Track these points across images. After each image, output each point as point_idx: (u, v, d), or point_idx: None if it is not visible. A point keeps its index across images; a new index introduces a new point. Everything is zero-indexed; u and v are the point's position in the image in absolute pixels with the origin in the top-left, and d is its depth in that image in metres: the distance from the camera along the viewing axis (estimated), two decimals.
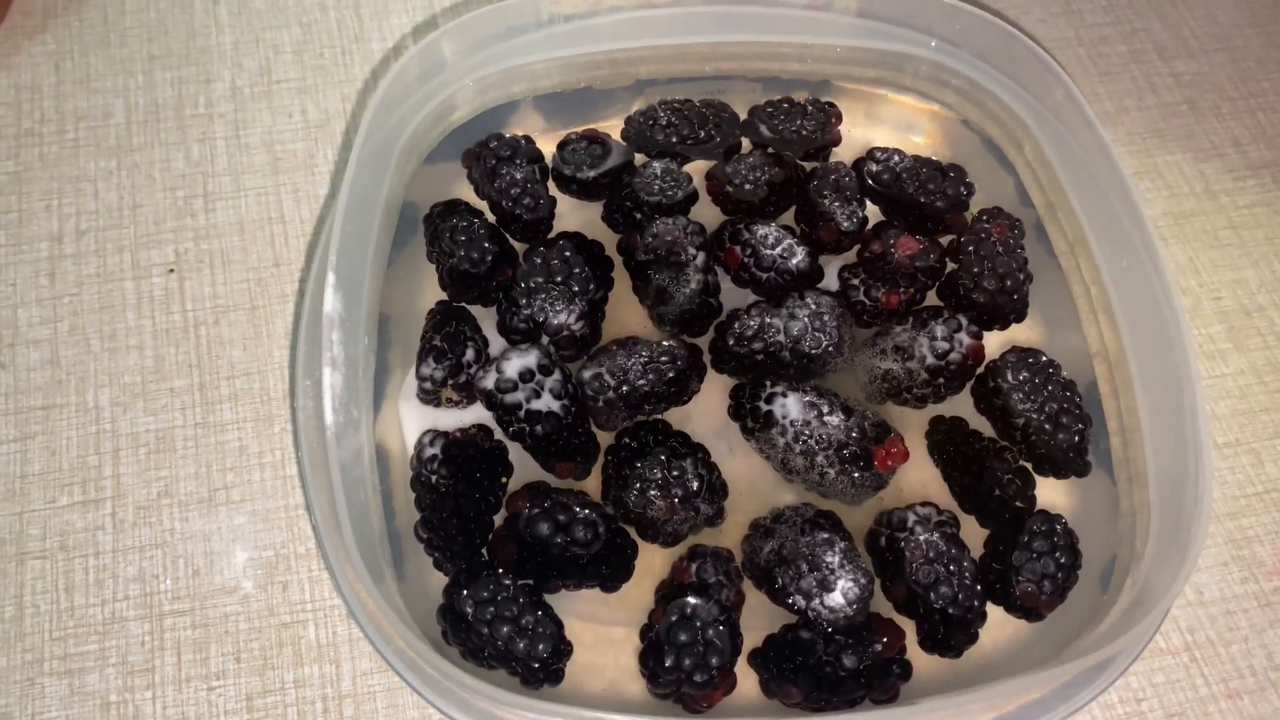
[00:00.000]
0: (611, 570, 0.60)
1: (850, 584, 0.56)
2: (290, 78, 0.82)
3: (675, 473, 0.60)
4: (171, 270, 0.74)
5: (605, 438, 0.64)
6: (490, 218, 0.69)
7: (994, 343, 0.67)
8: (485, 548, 0.60)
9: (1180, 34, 0.89)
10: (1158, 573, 0.55)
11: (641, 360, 0.63)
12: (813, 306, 0.65)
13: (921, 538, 0.59)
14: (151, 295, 0.73)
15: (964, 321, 0.65)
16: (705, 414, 0.67)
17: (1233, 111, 0.85)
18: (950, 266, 0.69)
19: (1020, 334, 0.69)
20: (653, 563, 0.62)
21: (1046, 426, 0.63)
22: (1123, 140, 0.83)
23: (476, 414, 0.64)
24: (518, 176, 0.68)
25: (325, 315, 0.56)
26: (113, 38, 0.83)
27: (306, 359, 0.58)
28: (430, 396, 0.64)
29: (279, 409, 0.69)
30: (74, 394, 0.69)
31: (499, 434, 0.63)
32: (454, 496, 0.60)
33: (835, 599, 0.56)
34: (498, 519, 0.61)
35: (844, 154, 0.74)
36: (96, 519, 0.65)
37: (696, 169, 0.73)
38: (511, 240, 0.69)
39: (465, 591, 0.56)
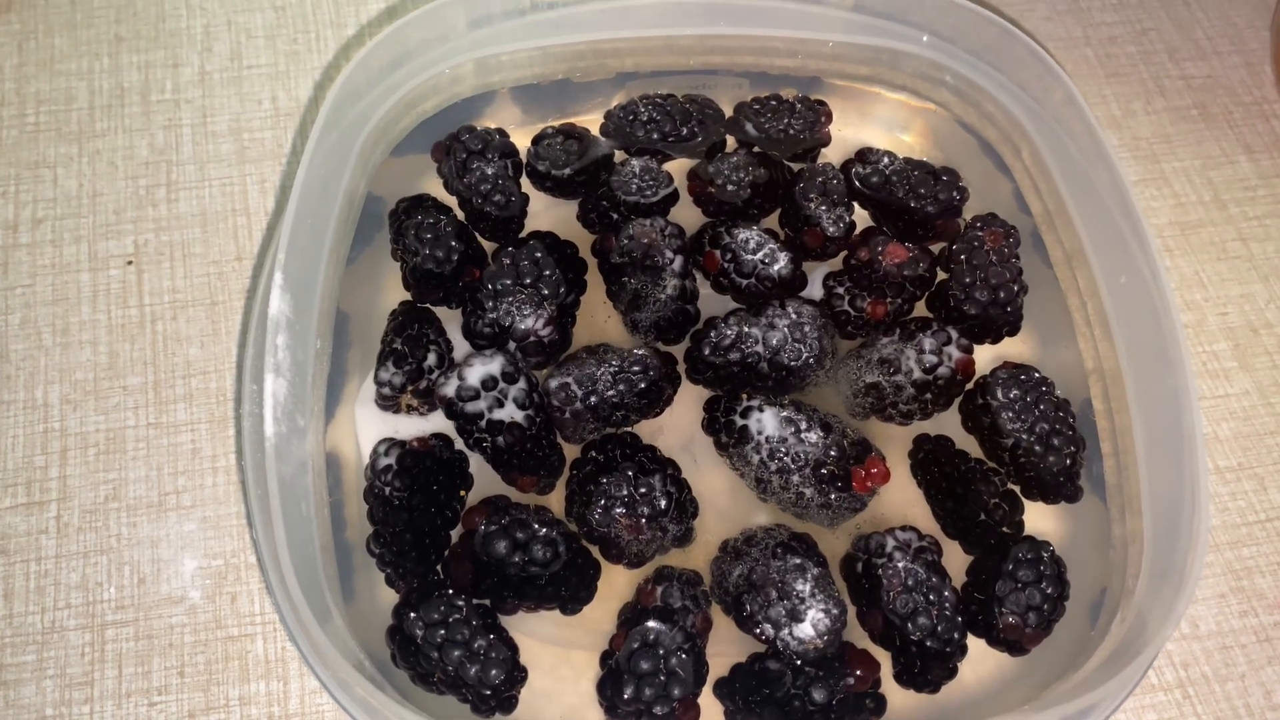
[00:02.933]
0: (572, 592, 0.57)
1: (821, 615, 0.53)
2: (261, 63, 0.79)
3: (642, 490, 0.57)
4: (130, 262, 0.71)
5: (571, 451, 0.61)
6: (459, 215, 0.66)
7: (984, 357, 0.63)
8: (439, 565, 0.57)
9: (1192, 35, 0.85)
10: (1150, 609, 0.52)
11: (612, 370, 0.59)
12: (793, 316, 0.61)
13: (900, 564, 0.56)
14: (108, 288, 0.70)
15: (954, 334, 0.62)
16: (678, 427, 0.63)
17: (1245, 117, 0.81)
18: (940, 276, 0.66)
19: (1012, 349, 0.66)
20: (616, 583, 0.59)
21: (1037, 448, 0.59)
22: (1129, 145, 0.79)
23: (437, 423, 0.61)
24: (489, 172, 0.65)
25: (270, 318, 0.53)
26: (79, 18, 0.80)
27: (253, 363, 0.55)
28: (389, 403, 0.61)
29: (235, 410, 0.66)
30: (22, 390, 0.66)
31: (459, 444, 0.60)
32: (408, 510, 0.57)
33: (805, 630, 0.53)
34: (454, 535, 0.58)
35: (833, 155, 0.71)
36: (40, 522, 0.63)
37: (678, 168, 0.69)
38: (480, 239, 0.66)
39: (415, 613, 0.53)
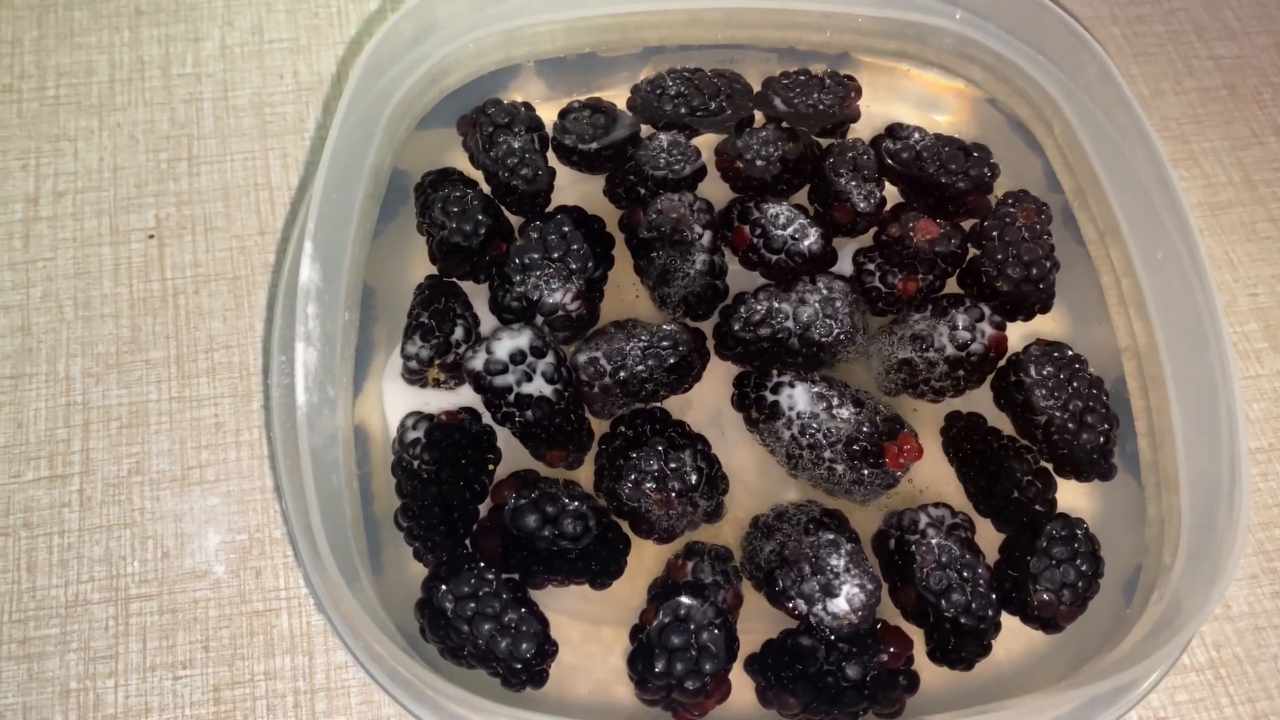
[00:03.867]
0: (601, 566, 0.56)
1: (856, 590, 0.52)
2: (283, 37, 0.78)
3: (673, 465, 0.56)
4: (151, 236, 0.70)
5: (600, 425, 0.60)
6: (485, 188, 0.65)
7: (1016, 335, 0.63)
8: (468, 539, 0.57)
9: (1221, 14, 0.84)
10: (1187, 588, 0.52)
11: (641, 344, 0.59)
12: (824, 292, 0.61)
13: (934, 541, 0.55)
14: (130, 262, 0.69)
15: (987, 311, 0.61)
16: (706, 402, 0.63)
17: (1275, 98, 0.80)
18: (972, 252, 0.65)
19: (1044, 326, 0.65)
20: (646, 559, 0.58)
21: (1070, 425, 0.59)
22: (1158, 126, 0.79)
23: (464, 396, 0.60)
24: (515, 145, 0.64)
25: (301, 286, 0.53)
26: None
27: (282, 333, 0.55)
28: (415, 376, 0.60)
29: (258, 385, 0.65)
30: (44, 363, 0.66)
31: (487, 418, 0.59)
32: (436, 483, 0.56)
33: (839, 605, 0.52)
34: (482, 509, 0.58)
35: (862, 130, 0.70)
36: (63, 495, 0.62)
37: (706, 143, 0.68)
38: (507, 213, 0.65)
39: (445, 586, 0.52)
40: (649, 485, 0.56)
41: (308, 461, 0.49)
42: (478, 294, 0.63)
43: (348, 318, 0.57)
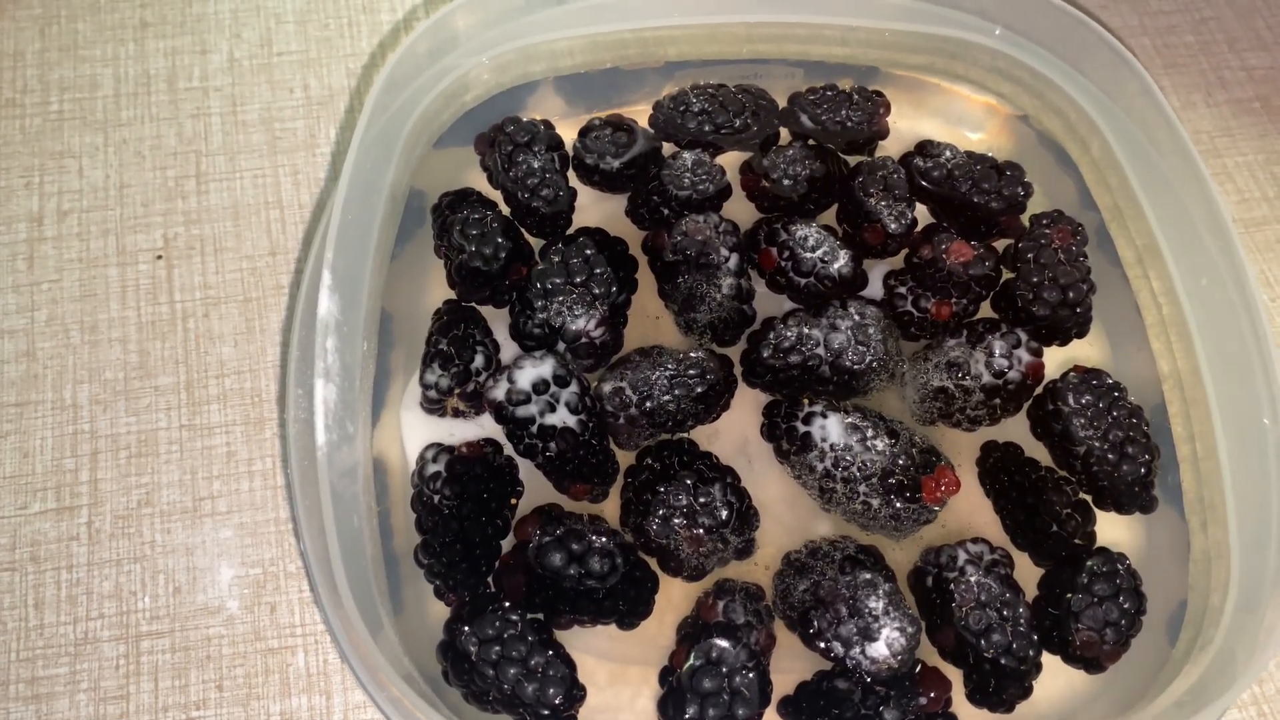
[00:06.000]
0: (629, 606, 0.54)
1: (896, 634, 0.51)
2: (292, 50, 0.76)
3: (702, 499, 0.54)
4: (159, 257, 0.68)
5: (625, 458, 0.59)
6: (504, 210, 0.63)
7: (1053, 361, 0.61)
8: (491, 577, 0.55)
9: (1253, 24, 0.82)
10: (1238, 633, 0.50)
11: (667, 373, 0.57)
12: (856, 318, 0.59)
13: (973, 579, 0.53)
14: (137, 284, 0.67)
15: (1024, 337, 0.59)
16: (733, 431, 0.61)
17: None
18: (1006, 275, 0.63)
19: (1080, 351, 0.63)
20: (674, 596, 0.56)
21: (1110, 456, 0.57)
22: (1189, 139, 0.77)
23: (485, 426, 0.59)
24: (535, 165, 0.62)
25: (320, 320, 0.51)
26: (103, 2, 0.77)
27: (299, 366, 0.53)
28: (435, 406, 0.58)
29: (271, 412, 0.64)
30: (50, 390, 0.64)
31: (509, 450, 0.57)
32: (458, 519, 0.54)
33: (879, 650, 0.50)
34: (505, 545, 0.56)
35: (891, 148, 0.68)
36: (71, 528, 0.60)
37: (730, 161, 0.66)
38: (527, 235, 0.64)
39: (468, 628, 0.50)
40: (678, 521, 0.54)
41: (328, 503, 0.47)
42: (498, 319, 0.62)
43: (366, 348, 0.55)
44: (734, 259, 0.61)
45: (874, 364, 0.58)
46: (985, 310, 0.64)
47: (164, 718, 0.56)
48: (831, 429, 0.56)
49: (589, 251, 0.60)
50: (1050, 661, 0.54)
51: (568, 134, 0.65)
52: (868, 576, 0.52)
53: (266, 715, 0.57)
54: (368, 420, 0.55)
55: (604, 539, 0.54)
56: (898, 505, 0.55)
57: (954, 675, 0.54)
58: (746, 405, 0.61)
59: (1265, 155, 0.77)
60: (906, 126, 0.70)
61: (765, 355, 0.59)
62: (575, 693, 0.51)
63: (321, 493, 0.48)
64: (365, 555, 0.51)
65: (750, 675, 0.50)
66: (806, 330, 0.59)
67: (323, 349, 0.50)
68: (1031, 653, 0.53)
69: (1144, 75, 0.62)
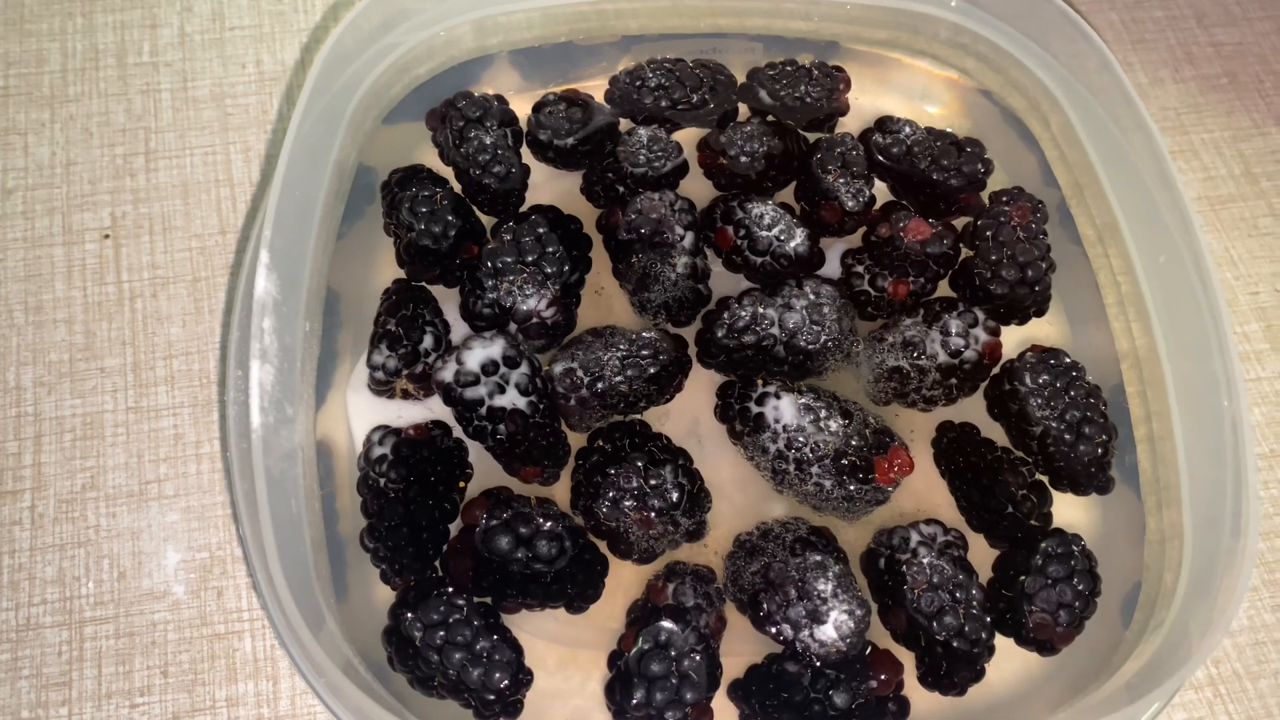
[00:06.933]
0: (578, 589, 0.54)
1: (844, 616, 0.50)
2: (245, 24, 0.74)
3: (653, 482, 0.54)
4: (107, 236, 0.67)
5: (577, 439, 0.58)
6: (455, 187, 0.62)
7: (1011, 340, 0.60)
8: (438, 561, 0.54)
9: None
10: (1191, 613, 0.49)
11: (619, 354, 0.56)
12: (811, 296, 0.58)
13: (925, 561, 0.53)
14: (84, 263, 0.66)
15: (981, 316, 0.58)
16: (685, 411, 0.60)
17: (1277, 87, 0.78)
18: (965, 253, 0.62)
19: (1039, 330, 0.63)
20: (625, 579, 0.56)
21: (1067, 436, 0.56)
22: (1156, 116, 0.76)
23: (435, 409, 0.58)
24: (487, 141, 0.61)
25: (256, 300, 0.50)
26: None
27: (238, 346, 0.52)
28: (383, 388, 0.57)
29: (219, 395, 0.62)
30: None
31: (458, 432, 0.56)
32: (404, 502, 0.53)
33: (827, 632, 0.50)
34: (454, 528, 0.55)
35: (852, 125, 0.67)
36: (13, 513, 0.59)
37: (688, 138, 0.65)
38: (478, 213, 0.62)
39: (413, 613, 0.50)
40: (628, 503, 0.53)
41: (262, 489, 0.46)
42: (448, 299, 0.60)
43: (308, 328, 0.54)
44: (689, 237, 0.60)
45: (829, 344, 0.58)
46: (944, 290, 0.63)
47: (107, 705, 0.55)
48: (785, 410, 0.55)
49: (541, 230, 0.59)
50: (1003, 644, 0.54)
51: (522, 109, 0.64)
52: (817, 559, 0.52)
53: (212, 701, 0.56)
54: (310, 402, 0.54)
55: (552, 522, 0.53)
56: (850, 486, 0.54)
57: (906, 658, 0.53)
58: (701, 386, 0.60)
59: (1232, 132, 0.76)
60: (868, 102, 0.69)
61: (719, 335, 0.58)
62: (522, 677, 0.50)
63: (256, 476, 0.47)
64: (305, 540, 0.50)
65: (698, 658, 0.50)
66: (761, 310, 0.58)
67: (259, 329, 0.49)
68: (984, 635, 0.52)
69: (1103, 50, 0.61)
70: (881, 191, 0.65)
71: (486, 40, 0.66)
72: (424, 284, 0.61)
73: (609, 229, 0.61)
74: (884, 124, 0.65)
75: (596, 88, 0.66)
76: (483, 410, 0.54)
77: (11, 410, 0.62)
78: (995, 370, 0.59)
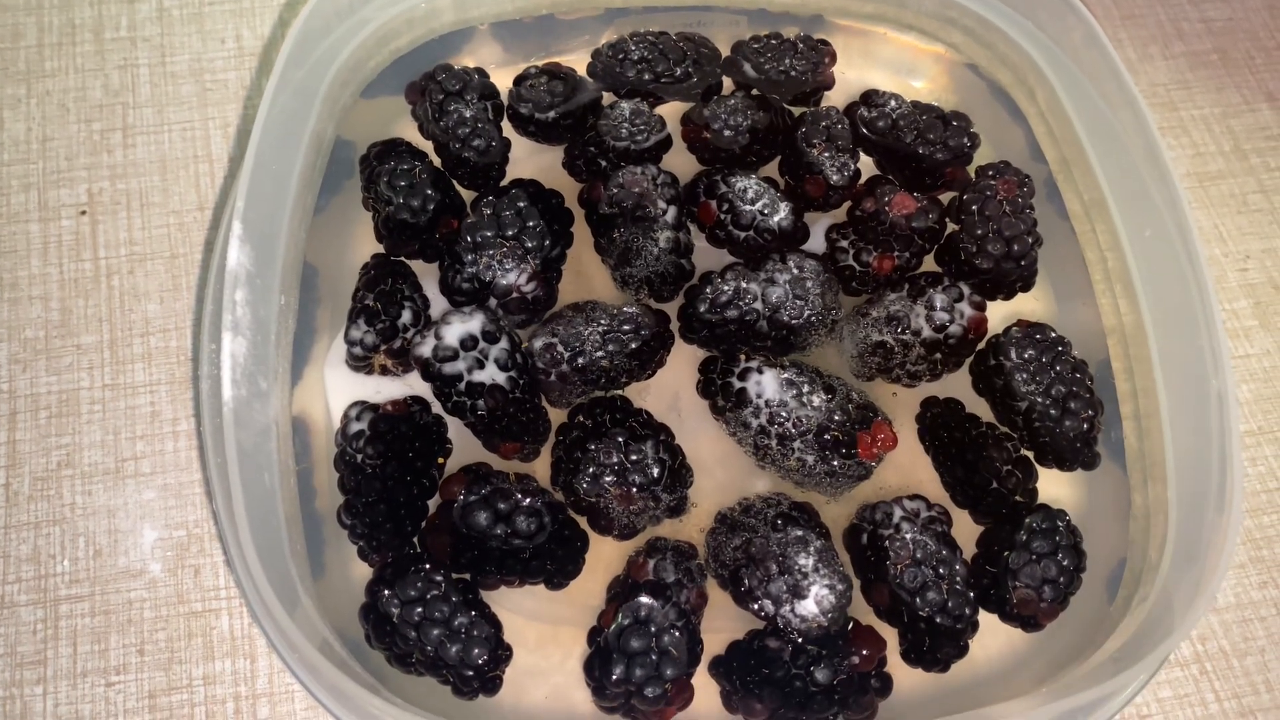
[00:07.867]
0: (558, 566, 0.53)
1: (825, 591, 0.49)
2: None
3: (634, 457, 0.53)
4: (83, 212, 0.66)
5: (557, 415, 0.57)
6: (435, 161, 0.62)
7: (996, 315, 0.59)
8: (416, 537, 0.54)
9: None
10: (1174, 589, 0.49)
11: (600, 329, 0.55)
12: (795, 271, 0.57)
13: (908, 536, 0.52)
14: (60, 240, 0.65)
15: (966, 290, 0.58)
16: (666, 386, 0.59)
17: (1267, 63, 0.77)
18: (950, 228, 0.62)
19: (1025, 306, 0.62)
20: (605, 555, 0.55)
21: (1052, 412, 0.56)
22: (1145, 92, 0.75)
23: (413, 384, 0.57)
24: (467, 114, 0.60)
25: (228, 271, 0.49)
26: None
27: (212, 320, 0.51)
28: (360, 363, 0.57)
29: (194, 372, 0.62)
30: None
31: (437, 408, 0.56)
32: (382, 478, 0.53)
33: (808, 607, 0.49)
34: (432, 504, 0.55)
35: (837, 99, 0.66)
36: None
37: (671, 111, 0.65)
38: (458, 187, 0.62)
39: (390, 590, 0.49)
40: (608, 479, 0.53)
41: (234, 462, 0.45)
42: (427, 274, 0.60)
43: (284, 302, 0.53)
44: (672, 212, 0.59)
45: (812, 318, 0.57)
46: (929, 264, 0.62)
47: (83, 683, 0.55)
48: (767, 385, 0.55)
49: (521, 204, 0.58)
50: (987, 620, 0.53)
51: (503, 82, 0.63)
52: (799, 533, 0.51)
53: (189, 679, 0.55)
54: (286, 377, 0.54)
55: (531, 498, 0.52)
56: (833, 462, 0.54)
57: (889, 634, 0.53)
58: (683, 361, 0.60)
59: (1222, 109, 0.75)
60: (854, 76, 0.68)
61: (702, 310, 0.58)
62: (500, 653, 0.50)
63: (227, 449, 0.46)
64: (279, 516, 0.49)
65: (679, 634, 0.49)
66: (744, 284, 0.57)
67: (231, 301, 0.49)
68: (967, 611, 0.52)
69: (1091, 23, 0.60)
70: (867, 166, 0.64)
71: (467, 12, 0.65)
72: (403, 259, 0.60)
73: (591, 203, 0.61)
74: (869, 98, 0.64)
75: (579, 61, 0.65)
76: (461, 386, 0.53)
77: None
78: (980, 345, 0.59)
